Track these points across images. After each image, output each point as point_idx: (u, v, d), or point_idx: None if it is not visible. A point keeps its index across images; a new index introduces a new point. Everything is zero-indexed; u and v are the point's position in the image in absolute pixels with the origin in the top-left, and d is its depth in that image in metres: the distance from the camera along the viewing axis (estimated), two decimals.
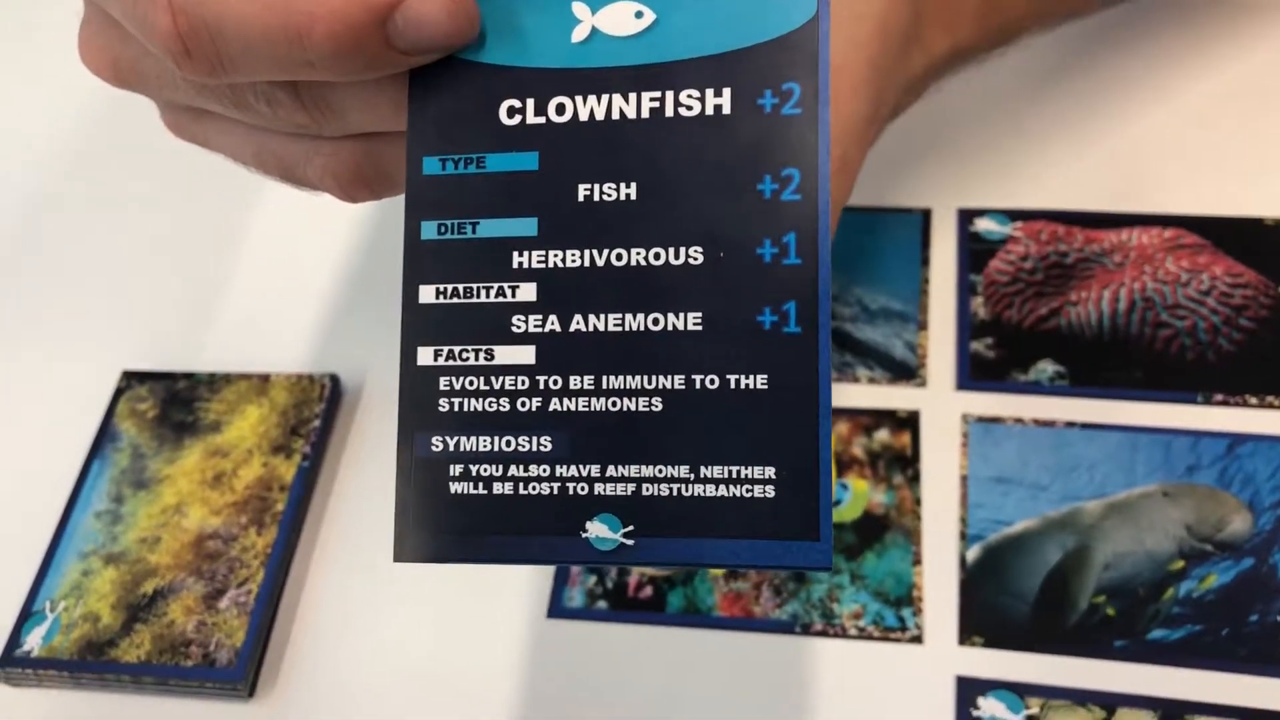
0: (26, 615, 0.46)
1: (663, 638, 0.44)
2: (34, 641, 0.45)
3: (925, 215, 0.54)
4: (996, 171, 0.54)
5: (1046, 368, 0.48)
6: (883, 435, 0.48)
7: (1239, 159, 0.53)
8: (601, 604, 0.45)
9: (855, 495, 0.46)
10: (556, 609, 0.45)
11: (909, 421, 0.48)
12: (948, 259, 0.52)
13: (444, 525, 0.25)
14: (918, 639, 0.43)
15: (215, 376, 0.52)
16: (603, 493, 0.24)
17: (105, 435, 0.51)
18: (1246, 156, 0.53)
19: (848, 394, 0.49)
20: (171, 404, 0.51)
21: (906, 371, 0.49)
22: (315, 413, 0.50)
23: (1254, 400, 0.46)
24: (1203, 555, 0.43)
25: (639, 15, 0.25)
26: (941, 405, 0.48)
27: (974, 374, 0.49)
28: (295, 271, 0.56)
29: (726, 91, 0.25)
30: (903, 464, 0.47)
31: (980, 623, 0.43)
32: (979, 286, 0.51)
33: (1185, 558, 0.43)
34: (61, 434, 0.52)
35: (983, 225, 0.53)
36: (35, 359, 0.56)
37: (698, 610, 0.44)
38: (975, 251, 0.52)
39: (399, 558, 0.25)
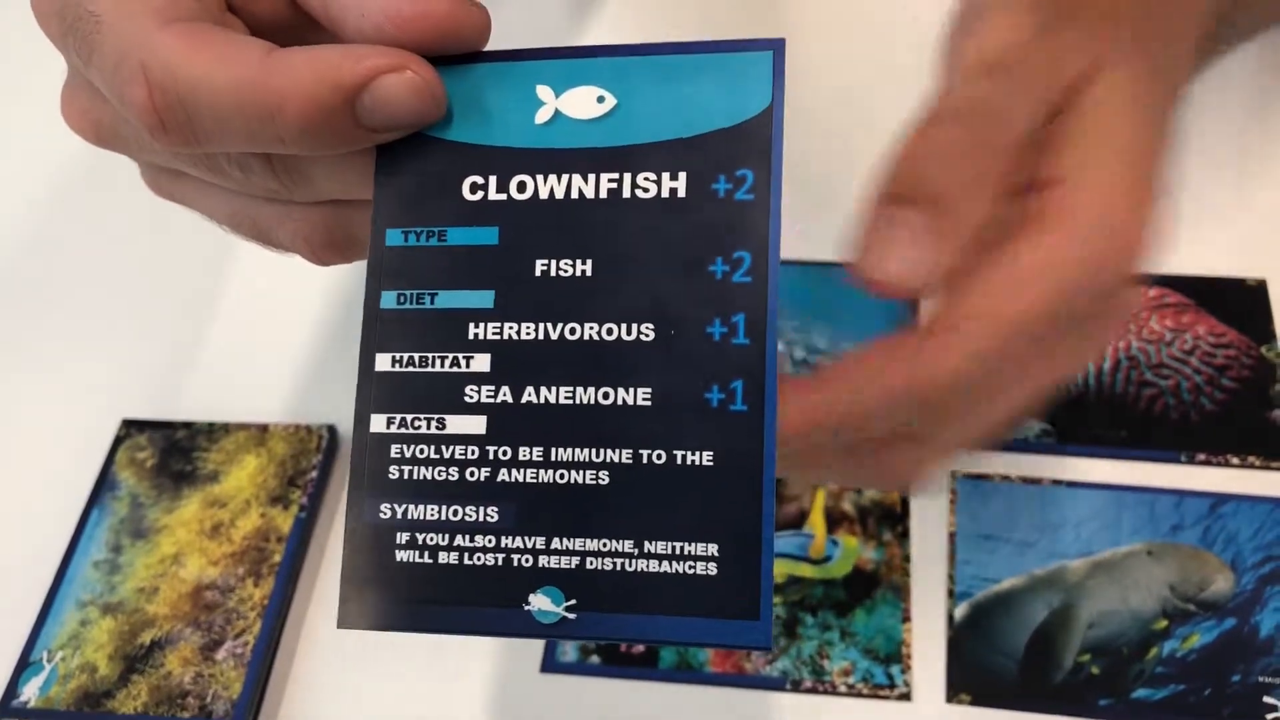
0: (24, 665, 0.47)
1: (656, 693, 0.44)
2: (31, 692, 0.46)
3: None
4: None
5: (1033, 425, 0.49)
6: (872, 491, 0.48)
7: (1223, 221, 0.54)
8: (595, 658, 0.45)
9: (845, 551, 0.47)
10: (550, 663, 0.45)
11: None
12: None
13: (389, 593, 0.25)
14: (906, 696, 0.43)
15: (214, 426, 0.53)
16: (546, 565, 0.25)
17: (104, 484, 0.52)
18: (1230, 219, 0.54)
19: None
20: (170, 453, 0.52)
21: None
22: (312, 464, 0.51)
23: (1235, 460, 0.47)
24: (1186, 615, 0.44)
25: (600, 100, 0.26)
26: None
27: None
28: (294, 323, 0.57)
29: (682, 175, 0.26)
30: (892, 521, 0.47)
31: (968, 680, 0.43)
32: None
33: (1169, 617, 0.44)
34: (61, 482, 0.52)
35: None
36: (35, 406, 0.56)
37: (690, 666, 0.45)
38: None
39: (343, 624, 0.25)
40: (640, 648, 0.45)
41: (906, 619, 0.45)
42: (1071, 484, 0.48)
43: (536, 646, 0.46)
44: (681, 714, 0.44)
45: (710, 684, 0.44)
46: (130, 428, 0.53)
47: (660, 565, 0.24)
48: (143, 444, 0.53)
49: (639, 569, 0.24)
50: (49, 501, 0.52)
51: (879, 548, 0.47)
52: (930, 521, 0.47)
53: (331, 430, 0.52)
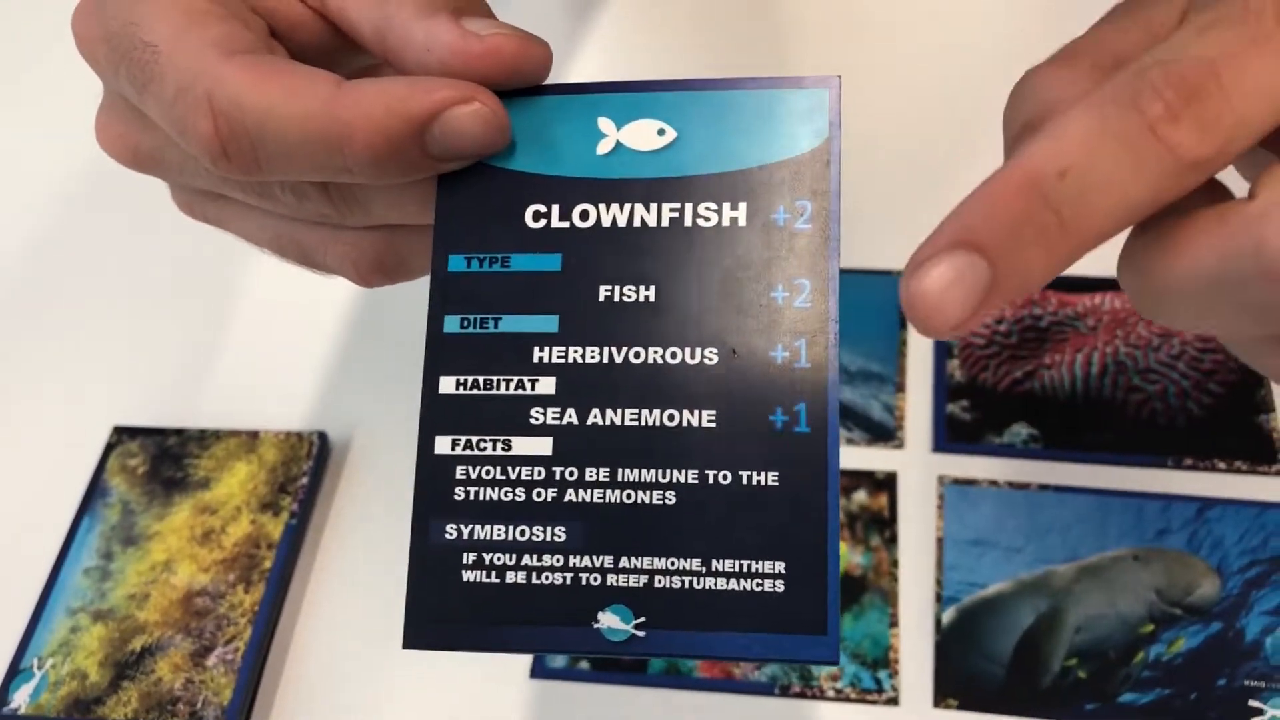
0: (14, 673, 0.47)
1: (644, 698, 0.45)
2: (21, 699, 0.46)
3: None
4: None
5: (1021, 430, 0.50)
6: (861, 496, 0.49)
7: None
8: (584, 664, 0.45)
9: None
10: (539, 669, 0.46)
11: (887, 483, 0.49)
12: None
13: (455, 613, 0.25)
14: (894, 701, 0.43)
15: (205, 433, 0.53)
16: (615, 584, 0.25)
17: (95, 490, 0.52)
18: None
19: None
20: (161, 460, 0.52)
21: (885, 433, 0.50)
22: (303, 470, 0.51)
23: (1222, 465, 0.47)
24: (1172, 619, 0.44)
25: (661, 132, 0.27)
26: (919, 467, 0.49)
27: (950, 436, 0.50)
28: (285, 330, 0.57)
29: (742, 205, 0.27)
30: (880, 526, 0.48)
31: (955, 685, 0.43)
32: (955, 349, 0.52)
33: (1155, 621, 0.44)
34: (51, 489, 0.52)
35: None
36: (26, 413, 0.56)
37: (679, 671, 0.45)
38: None
39: (409, 644, 0.26)
40: None
41: (894, 624, 0.45)
42: (1059, 489, 0.48)
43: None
44: (671, 719, 0.44)
45: (699, 689, 0.44)
46: (121, 434, 0.53)
47: (728, 583, 0.25)
48: (134, 450, 0.53)
49: (707, 586, 0.25)
50: (40, 508, 0.52)
51: (867, 553, 0.47)
52: (918, 527, 0.47)
53: (322, 437, 0.52)
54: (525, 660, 0.46)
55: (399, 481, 0.51)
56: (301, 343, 0.56)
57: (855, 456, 0.50)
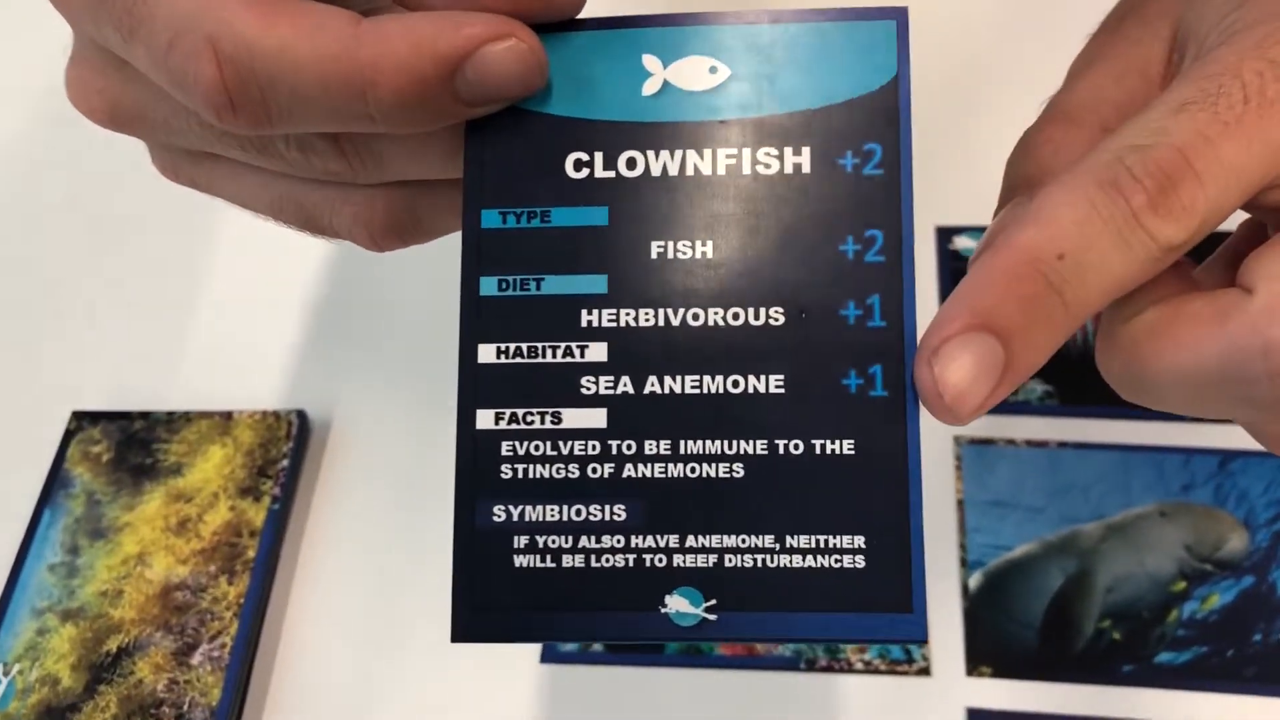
0: None
1: (662, 679, 0.42)
2: None
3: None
4: (975, 187, 0.54)
5: (1035, 387, 0.48)
6: None
7: None
8: (597, 646, 0.43)
9: None
10: (550, 653, 0.43)
11: None
12: (928, 278, 0.52)
13: (508, 601, 0.23)
14: (925, 671, 0.42)
15: (174, 415, 0.49)
16: (682, 565, 0.23)
17: (56, 481, 0.48)
18: None
19: None
20: (127, 446, 0.49)
21: None
22: (283, 452, 0.48)
23: None
24: (1203, 575, 0.43)
25: (713, 70, 0.24)
26: (932, 427, 0.47)
27: None
28: (255, 302, 0.53)
29: (805, 150, 0.24)
30: None
31: (987, 652, 0.42)
32: None
33: (1186, 578, 0.43)
34: (7, 481, 0.49)
35: (962, 243, 0.52)
36: None
37: (699, 650, 0.43)
38: (956, 270, 0.52)
39: (458, 638, 0.23)
40: None
41: None
42: (1078, 445, 0.46)
43: None
44: (692, 700, 0.42)
45: (721, 667, 0.42)
46: (82, 420, 0.50)
47: (804, 560, 0.23)
48: (96, 437, 0.49)
49: (781, 565, 0.23)
50: None
51: None
52: (937, 489, 0.46)
53: (301, 415, 0.49)
54: (535, 645, 0.43)
55: (386, 459, 0.48)
56: (273, 315, 0.53)
57: None
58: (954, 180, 0.54)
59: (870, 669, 0.42)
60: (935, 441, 0.47)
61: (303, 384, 0.51)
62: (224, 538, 0.46)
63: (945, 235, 0.53)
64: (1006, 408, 0.48)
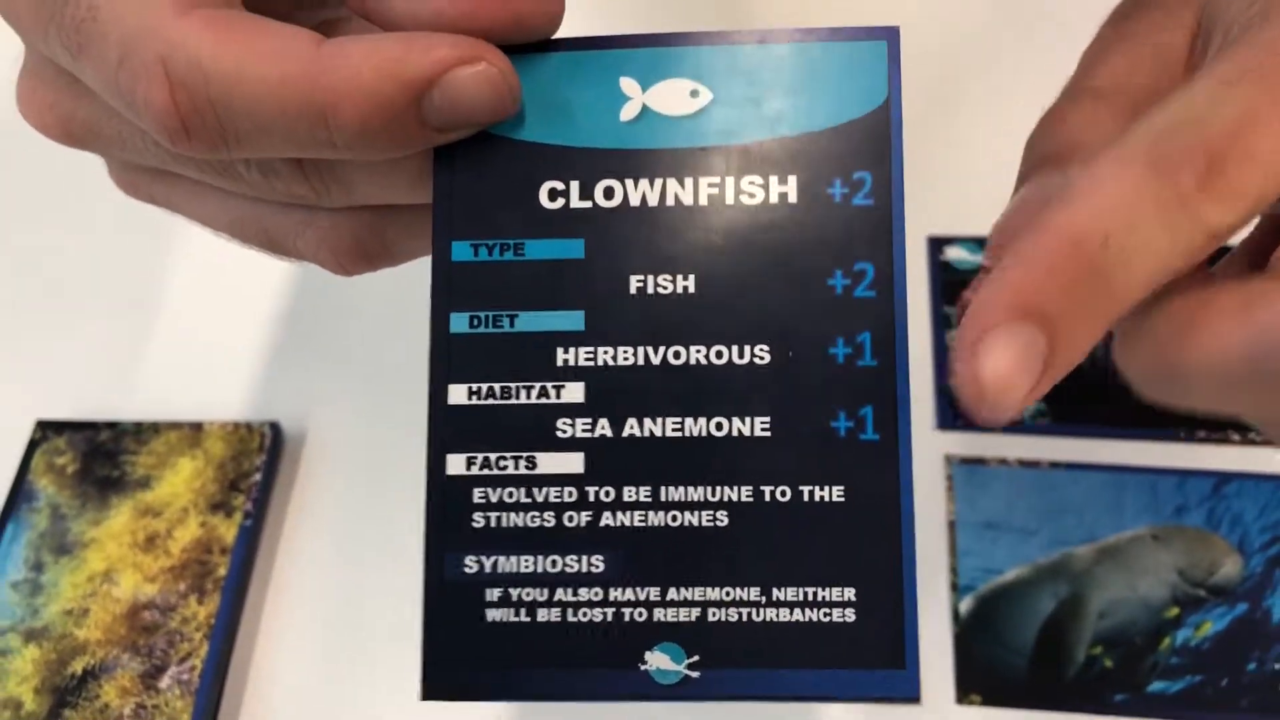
0: None
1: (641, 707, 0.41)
2: None
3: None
4: (966, 197, 0.53)
5: (1028, 406, 0.47)
6: None
7: None
8: None
9: None
10: None
11: None
12: (919, 290, 0.51)
13: (481, 658, 0.22)
14: (914, 699, 0.41)
15: (142, 426, 0.48)
16: (663, 619, 0.22)
17: (19, 494, 0.46)
18: None
19: None
20: (94, 457, 0.47)
21: None
22: (255, 465, 0.46)
23: (1237, 437, 0.45)
24: (1197, 601, 0.42)
25: (694, 94, 0.23)
26: (923, 446, 0.46)
27: (956, 412, 0.47)
28: (227, 309, 0.51)
29: (792, 179, 0.23)
30: None
31: (977, 680, 0.41)
32: (953, 319, 0.50)
33: (1179, 604, 0.42)
34: None
35: (953, 254, 0.51)
36: None
37: None
38: (947, 282, 0.51)
39: (428, 695, 0.22)
40: None
41: None
42: (1071, 466, 0.45)
43: None
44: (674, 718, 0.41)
45: (746, 699, 0.41)
46: (46, 430, 0.48)
47: (791, 614, 0.22)
48: (61, 447, 0.47)
49: (767, 619, 0.22)
50: None
51: None
52: (928, 510, 0.45)
53: (275, 428, 0.47)
54: None
55: (362, 474, 0.47)
56: (246, 324, 0.51)
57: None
58: (945, 190, 0.53)
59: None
60: (927, 461, 0.46)
61: (276, 395, 0.49)
62: (194, 555, 0.44)
63: (936, 246, 0.52)
64: (999, 426, 0.47)
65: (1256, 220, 0.25)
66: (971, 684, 0.41)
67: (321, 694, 0.42)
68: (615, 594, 0.22)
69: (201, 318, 0.52)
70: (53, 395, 0.49)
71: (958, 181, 0.53)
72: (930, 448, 0.46)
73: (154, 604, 0.43)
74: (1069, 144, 0.25)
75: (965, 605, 0.42)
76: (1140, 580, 0.43)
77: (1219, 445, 0.45)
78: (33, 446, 0.48)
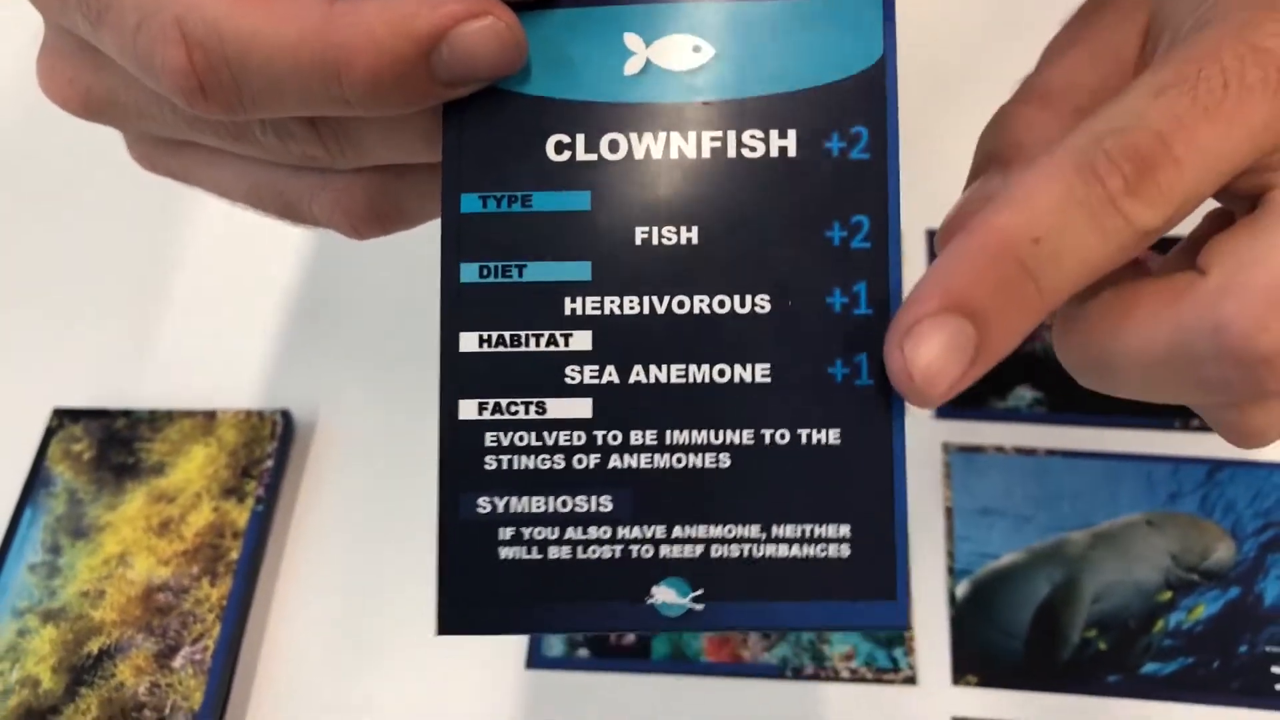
0: None
1: (648, 686, 0.42)
2: None
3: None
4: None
5: (1025, 394, 0.48)
6: None
7: None
8: (583, 652, 0.43)
9: None
10: (536, 659, 0.43)
11: None
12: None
13: (495, 594, 0.23)
14: (911, 680, 0.42)
15: (156, 414, 0.49)
16: (669, 555, 0.23)
17: (37, 480, 0.47)
18: None
19: None
20: (109, 444, 0.48)
21: None
22: (267, 452, 0.47)
23: None
24: (1190, 585, 0.43)
25: (696, 49, 0.24)
26: (922, 433, 0.47)
27: (953, 400, 0.48)
28: (240, 299, 0.53)
29: (791, 133, 0.24)
30: None
31: (973, 661, 0.42)
32: None
33: (1173, 588, 0.43)
34: None
35: None
36: None
37: (684, 656, 0.43)
38: None
39: (444, 630, 0.23)
40: (631, 637, 0.43)
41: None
42: (1066, 454, 0.46)
43: (520, 642, 0.43)
44: (676, 708, 0.42)
45: (706, 674, 0.42)
46: (63, 417, 0.49)
47: (790, 549, 0.23)
48: (78, 435, 0.48)
49: (767, 554, 0.23)
50: None
51: None
52: (925, 497, 0.46)
53: (286, 415, 0.48)
54: (520, 651, 0.43)
55: (371, 461, 0.48)
56: (258, 312, 0.52)
57: None
58: (944, 183, 0.53)
59: (856, 677, 0.42)
60: (924, 448, 0.47)
61: (287, 383, 0.50)
62: (206, 539, 0.45)
63: (935, 239, 0.52)
64: (996, 414, 0.47)
65: (1206, 213, 0.26)
66: (968, 665, 0.42)
67: (330, 673, 0.43)
68: (623, 532, 0.23)
69: (214, 309, 0.53)
70: (70, 384, 0.50)
71: (957, 176, 0.54)
72: (928, 435, 0.47)
73: (168, 586, 0.44)
74: (1013, 144, 0.26)
75: (962, 589, 0.43)
76: (1134, 565, 0.43)
77: (1212, 433, 0.46)
78: (50, 434, 0.49)
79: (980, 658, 0.42)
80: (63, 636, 0.43)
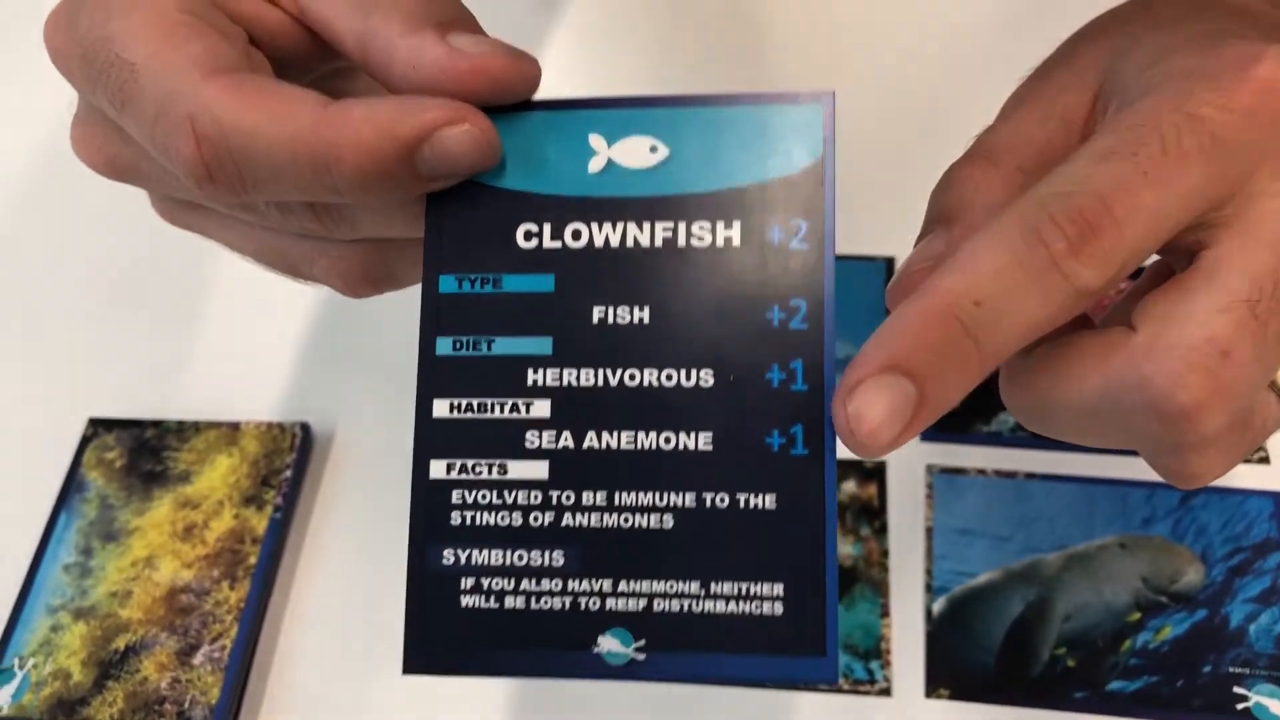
0: None
1: (629, 692, 0.44)
2: (3, 700, 0.45)
3: (888, 263, 0.55)
4: None
5: (1008, 418, 0.50)
6: (850, 486, 0.49)
7: None
8: None
9: None
10: None
11: (876, 473, 0.49)
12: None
13: (455, 638, 0.25)
14: (886, 692, 0.44)
15: (184, 425, 0.52)
16: (614, 608, 0.25)
17: (72, 485, 0.51)
18: None
19: None
20: (140, 453, 0.51)
21: None
22: (286, 462, 0.50)
23: None
24: (1158, 607, 0.45)
25: (653, 150, 0.26)
26: (907, 456, 0.49)
27: (938, 424, 0.50)
28: (264, 317, 0.56)
29: (736, 225, 0.26)
30: (870, 515, 0.48)
31: (947, 675, 0.44)
32: None
33: (1142, 609, 0.45)
34: (27, 484, 0.51)
35: None
36: None
37: None
38: None
39: (409, 669, 0.25)
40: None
41: (885, 614, 0.45)
42: (1045, 477, 0.48)
43: None
44: (657, 711, 0.44)
45: (691, 683, 0.44)
46: (97, 427, 0.52)
47: (727, 605, 0.25)
48: (110, 444, 0.52)
49: (706, 609, 0.25)
50: (15, 504, 0.51)
51: (857, 543, 0.47)
52: (908, 516, 0.48)
53: (305, 428, 0.51)
54: None
55: (385, 473, 0.51)
56: (281, 331, 0.55)
57: (843, 446, 0.50)
58: (905, 214, 0.56)
59: (833, 688, 0.44)
60: (908, 469, 0.49)
61: (308, 397, 0.53)
62: (227, 544, 0.48)
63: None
64: (979, 438, 0.49)
65: (1148, 266, 0.28)
66: (940, 679, 0.44)
67: (340, 674, 0.46)
68: (573, 585, 0.25)
69: (240, 326, 0.56)
70: (104, 395, 0.54)
71: (918, 205, 0.56)
72: (913, 457, 0.49)
73: (190, 588, 0.47)
74: (959, 203, 0.28)
75: (938, 605, 0.45)
76: (1105, 586, 0.45)
77: None
78: (85, 442, 0.52)
79: (953, 672, 0.44)
80: (92, 633, 0.46)
